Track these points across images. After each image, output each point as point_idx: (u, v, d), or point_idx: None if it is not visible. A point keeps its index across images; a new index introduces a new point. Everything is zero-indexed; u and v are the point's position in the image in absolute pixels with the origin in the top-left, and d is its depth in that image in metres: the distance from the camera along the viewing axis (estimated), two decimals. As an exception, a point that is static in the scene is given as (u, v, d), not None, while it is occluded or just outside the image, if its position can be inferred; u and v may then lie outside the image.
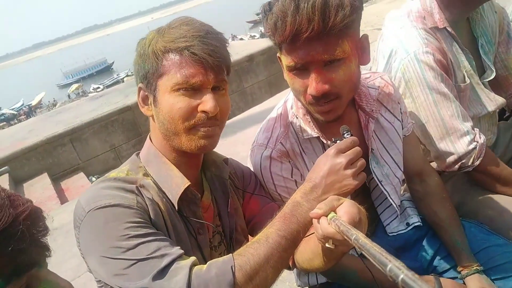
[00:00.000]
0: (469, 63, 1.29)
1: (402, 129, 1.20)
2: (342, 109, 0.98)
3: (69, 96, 38.93)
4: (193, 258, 0.77)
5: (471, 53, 1.30)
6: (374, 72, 1.21)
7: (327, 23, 0.82)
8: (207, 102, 0.82)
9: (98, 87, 34.83)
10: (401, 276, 0.42)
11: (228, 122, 0.93)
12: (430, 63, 1.19)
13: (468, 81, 1.29)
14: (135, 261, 0.73)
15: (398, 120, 1.17)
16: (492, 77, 1.36)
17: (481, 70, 1.37)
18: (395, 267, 0.44)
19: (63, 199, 4.76)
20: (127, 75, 35.40)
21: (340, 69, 0.90)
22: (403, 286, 0.41)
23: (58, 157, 5.67)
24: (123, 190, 0.81)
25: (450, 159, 1.25)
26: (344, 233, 0.61)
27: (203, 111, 0.83)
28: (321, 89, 0.90)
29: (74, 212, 0.81)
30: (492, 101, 1.35)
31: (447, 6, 1.25)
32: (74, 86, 42.67)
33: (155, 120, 0.89)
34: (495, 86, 1.42)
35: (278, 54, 0.99)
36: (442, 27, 1.25)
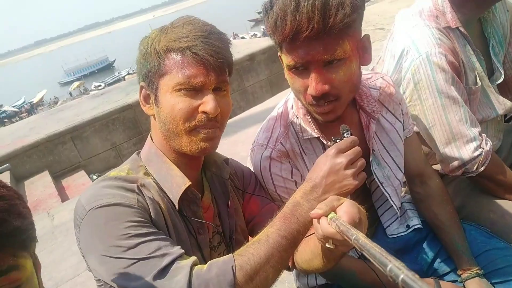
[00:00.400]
0: (480, 65, 1.27)
1: (403, 130, 1.19)
2: (342, 110, 0.97)
3: (70, 93, 39.04)
4: (193, 258, 0.76)
5: (482, 54, 1.28)
6: (376, 73, 1.20)
7: (327, 23, 0.82)
8: (208, 103, 0.82)
9: (100, 85, 34.94)
10: (401, 276, 0.42)
11: (228, 121, 0.93)
12: (442, 65, 1.16)
13: (479, 83, 1.27)
14: (135, 260, 0.73)
15: (399, 121, 1.17)
16: (501, 80, 1.33)
17: (490, 72, 1.34)
18: (395, 267, 0.44)
19: (63, 197, 4.76)
20: (129, 73, 35.50)
21: (340, 69, 0.89)
22: (403, 286, 0.41)
23: (59, 155, 5.68)
24: (124, 189, 0.81)
25: (454, 164, 1.24)
26: (344, 233, 0.61)
27: (204, 112, 0.83)
28: (321, 90, 0.89)
29: (75, 211, 0.81)
30: (501, 105, 1.32)
31: (460, 7, 1.22)
32: (76, 83, 42.78)
33: (156, 120, 0.89)
34: (501, 87, 1.40)
35: (279, 53, 0.98)
36: (455, 27, 1.22)
